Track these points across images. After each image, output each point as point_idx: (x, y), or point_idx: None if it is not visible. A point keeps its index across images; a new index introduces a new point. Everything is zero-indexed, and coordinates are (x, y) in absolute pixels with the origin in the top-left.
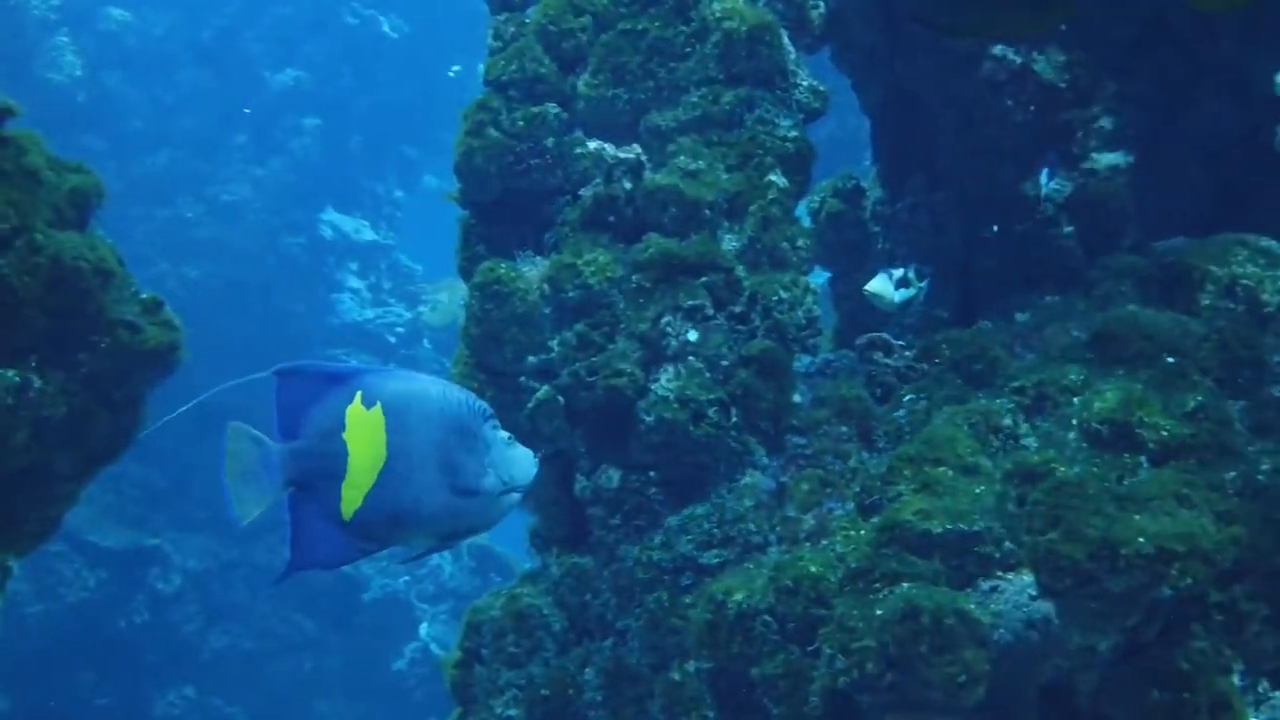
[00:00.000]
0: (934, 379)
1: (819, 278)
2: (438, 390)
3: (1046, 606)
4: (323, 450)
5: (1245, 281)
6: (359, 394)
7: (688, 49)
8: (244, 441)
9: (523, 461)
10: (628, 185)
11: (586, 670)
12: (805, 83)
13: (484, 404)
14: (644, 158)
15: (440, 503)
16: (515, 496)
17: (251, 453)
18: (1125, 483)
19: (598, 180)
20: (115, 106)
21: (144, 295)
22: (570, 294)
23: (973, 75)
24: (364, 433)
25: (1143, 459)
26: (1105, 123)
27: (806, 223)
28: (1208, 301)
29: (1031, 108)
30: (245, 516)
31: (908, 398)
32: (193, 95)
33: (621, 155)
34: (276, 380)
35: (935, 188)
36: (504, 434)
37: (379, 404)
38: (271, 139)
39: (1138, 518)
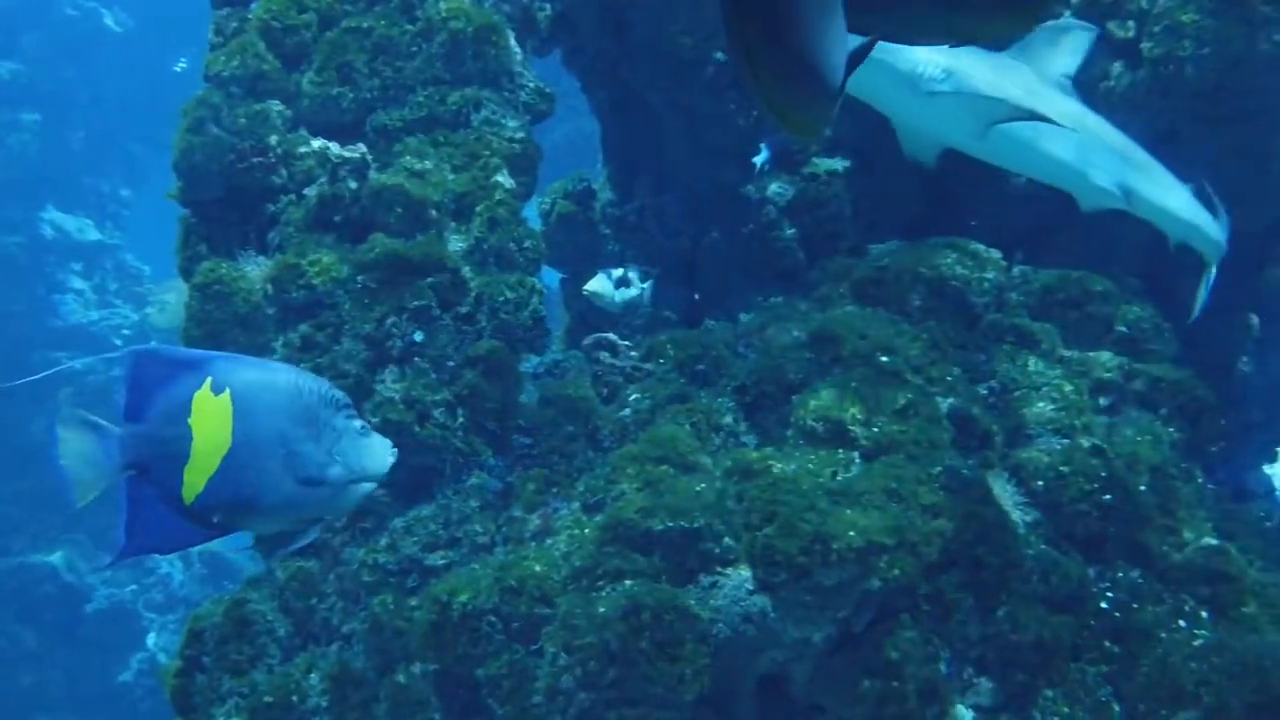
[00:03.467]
0: (659, 379)
1: (551, 278)
2: (288, 379)
3: (763, 600)
4: (165, 434)
5: (953, 283)
6: (209, 380)
7: (414, 48)
8: (77, 425)
9: (375, 452)
10: (353, 185)
11: (311, 675)
12: (531, 84)
13: (339, 394)
14: (369, 157)
15: (284, 491)
16: (367, 486)
17: (86, 436)
18: (839, 478)
19: (322, 179)
20: None
21: None
22: (294, 294)
23: (697, 79)
24: (210, 418)
25: (856, 455)
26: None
27: (537, 224)
28: (919, 302)
29: (754, 112)
30: (81, 499)
31: (633, 397)
32: None
33: (346, 154)
34: (130, 361)
35: (662, 190)
36: (357, 424)
37: (228, 391)
38: None
39: (849, 512)
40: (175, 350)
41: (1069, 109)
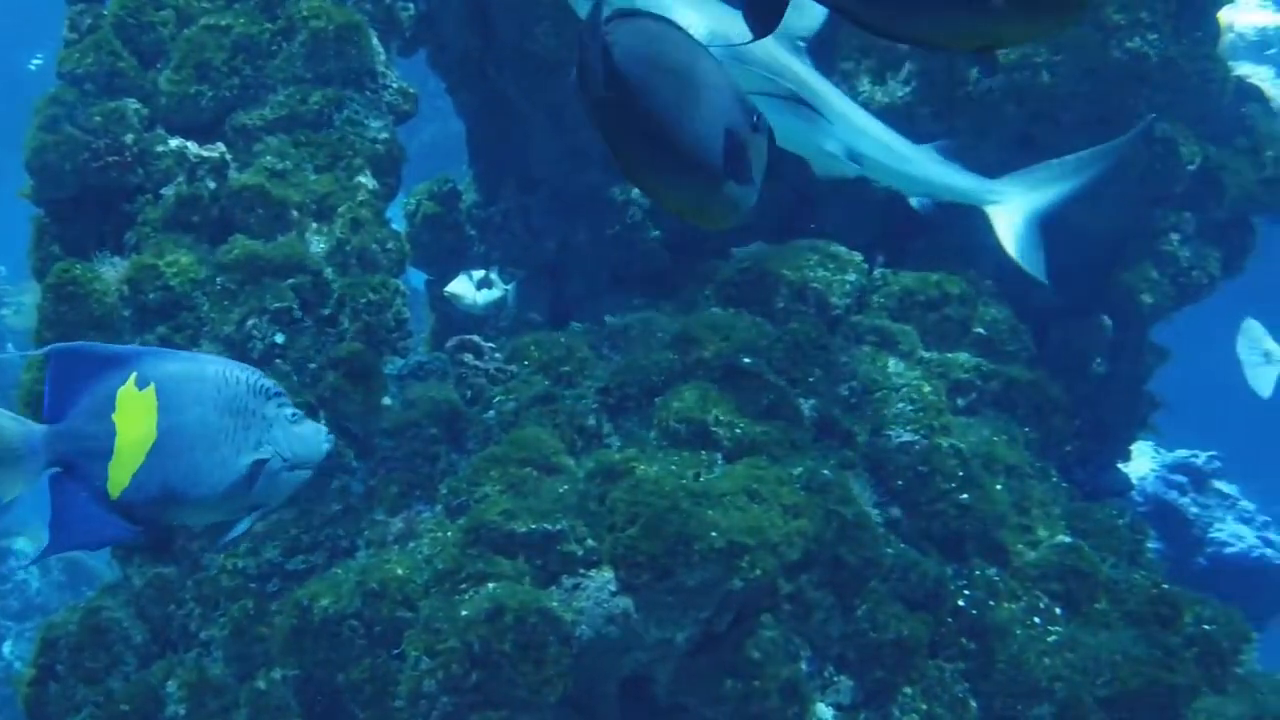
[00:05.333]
0: (523, 380)
1: (417, 279)
2: (216, 370)
3: (626, 602)
4: (89, 430)
5: (815, 285)
6: (133, 375)
7: (274, 47)
8: (2, 423)
9: (308, 438)
10: (212, 185)
11: (169, 683)
12: (395, 84)
13: (269, 382)
14: (229, 157)
15: (214, 481)
16: (302, 473)
17: (10, 434)
18: (701, 479)
19: (180, 179)
20: None
21: None
22: (151, 296)
23: (562, 80)
24: (134, 413)
25: (718, 456)
26: None
27: (401, 225)
28: (782, 304)
29: None
30: (4, 497)
31: (497, 399)
32: None
33: (205, 154)
34: (50, 360)
35: (528, 191)
36: (289, 411)
37: (152, 384)
38: None
39: (711, 513)
40: (98, 346)
41: (804, 74)
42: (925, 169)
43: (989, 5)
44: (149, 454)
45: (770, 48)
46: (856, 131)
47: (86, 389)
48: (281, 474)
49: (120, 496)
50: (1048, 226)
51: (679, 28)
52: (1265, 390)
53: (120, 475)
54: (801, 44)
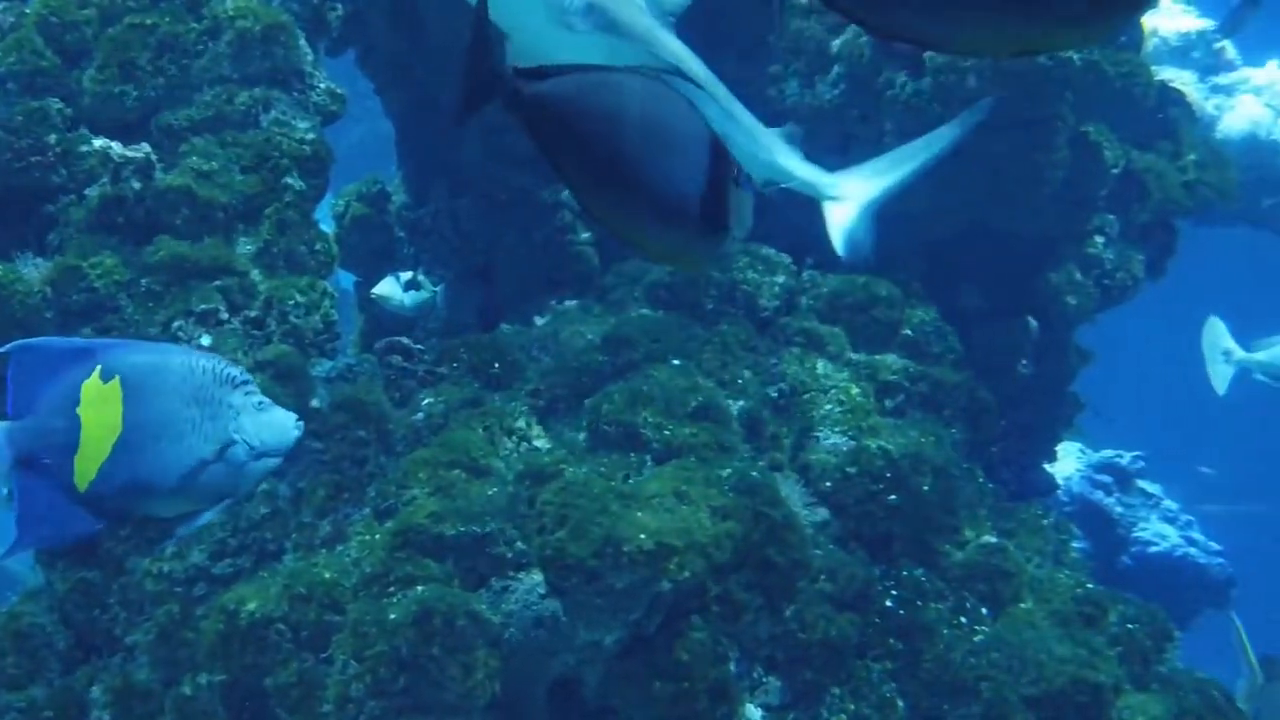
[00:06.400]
0: (452, 382)
1: (346, 281)
2: (181, 361)
3: (555, 604)
4: (54, 425)
5: (745, 287)
6: (98, 367)
7: (200, 46)
8: None
9: (276, 426)
10: (137, 185)
11: (93, 689)
12: (323, 85)
13: (235, 371)
14: (154, 157)
15: (182, 472)
16: (271, 461)
17: None
18: (630, 481)
19: (104, 180)
20: None
21: None
22: (75, 297)
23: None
24: (99, 405)
25: (647, 458)
26: None
27: (330, 227)
28: (711, 306)
29: None
30: None
31: (426, 401)
32: None
33: (130, 154)
34: (12, 356)
35: (458, 194)
36: (256, 399)
37: (117, 376)
38: None
39: (640, 515)
40: (61, 341)
41: (676, 49)
42: (773, 153)
43: (1046, 8)
44: (115, 446)
45: (646, 22)
46: (721, 109)
47: (50, 383)
48: (249, 463)
49: (88, 490)
50: (880, 215)
51: (651, 79)
52: (1221, 388)
53: (87, 468)
54: (671, 19)
